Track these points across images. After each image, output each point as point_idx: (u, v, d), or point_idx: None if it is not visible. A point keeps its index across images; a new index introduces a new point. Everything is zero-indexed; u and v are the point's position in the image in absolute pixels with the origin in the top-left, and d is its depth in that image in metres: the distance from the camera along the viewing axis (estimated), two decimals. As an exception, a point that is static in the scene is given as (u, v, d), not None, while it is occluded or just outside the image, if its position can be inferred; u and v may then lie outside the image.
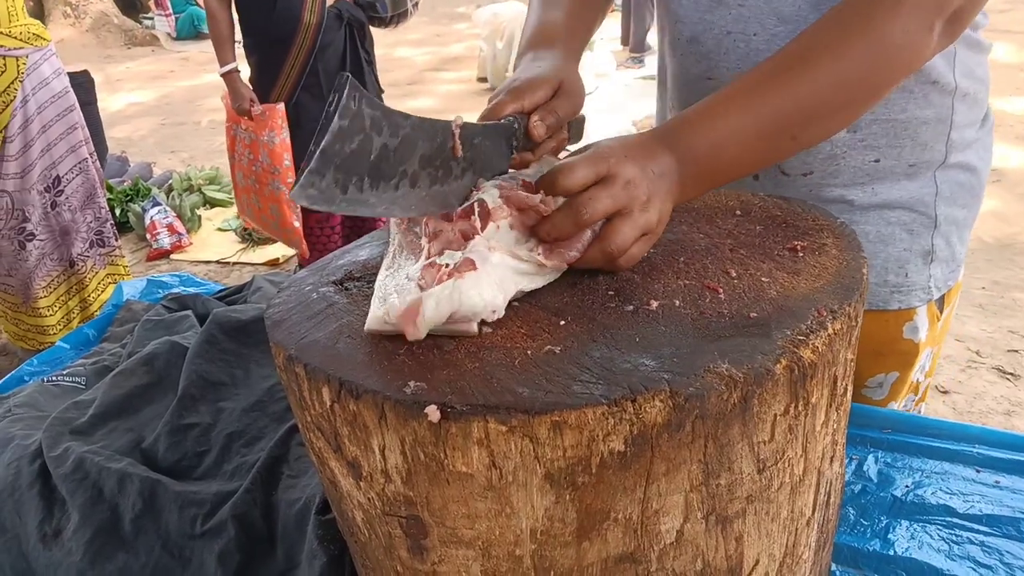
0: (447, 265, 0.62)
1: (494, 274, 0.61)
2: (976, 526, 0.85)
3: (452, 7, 11.36)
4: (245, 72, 2.92)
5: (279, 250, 3.79)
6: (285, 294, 0.70)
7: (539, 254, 0.64)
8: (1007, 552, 0.81)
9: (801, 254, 0.71)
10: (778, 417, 0.57)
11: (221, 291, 1.36)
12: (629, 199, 0.65)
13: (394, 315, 0.58)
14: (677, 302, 0.63)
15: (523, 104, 0.76)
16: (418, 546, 0.61)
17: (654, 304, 0.63)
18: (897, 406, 1.05)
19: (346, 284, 0.71)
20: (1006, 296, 3.13)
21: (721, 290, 0.65)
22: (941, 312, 1.05)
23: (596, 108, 6.52)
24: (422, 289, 0.59)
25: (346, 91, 0.54)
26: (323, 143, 0.54)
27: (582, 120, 0.87)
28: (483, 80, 7.51)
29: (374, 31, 3.06)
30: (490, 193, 0.65)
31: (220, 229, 4.12)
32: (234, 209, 4.31)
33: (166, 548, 0.85)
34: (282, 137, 2.75)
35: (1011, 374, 2.71)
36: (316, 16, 2.78)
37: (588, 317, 0.62)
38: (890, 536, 0.85)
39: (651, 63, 7.68)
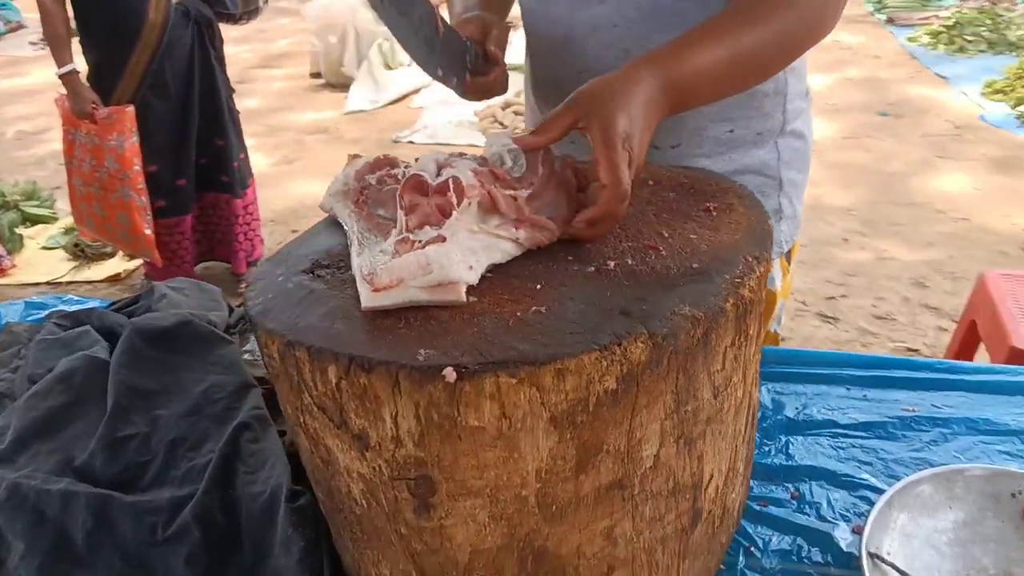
0: (419, 241, 0.67)
1: (465, 245, 0.67)
2: (855, 432, 1.01)
3: (274, 1, 10.93)
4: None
5: (119, 265, 3.55)
6: (259, 286, 0.72)
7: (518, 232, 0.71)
8: (880, 449, 0.98)
9: (715, 213, 0.82)
10: (727, 348, 0.68)
11: (114, 303, 1.30)
12: (632, 154, 0.74)
13: (382, 283, 0.63)
14: (629, 261, 0.72)
15: (476, 28, 1.00)
16: (425, 505, 0.66)
17: (611, 264, 0.71)
18: None
19: (317, 272, 0.73)
20: (821, 251, 3.54)
21: (661, 248, 0.74)
22: (789, 264, 1.21)
23: (435, 99, 6.56)
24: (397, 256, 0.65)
25: None
26: None
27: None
28: (317, 76, 7.33)
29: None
30: (464, 172, 0.70)
31: (46, 247, 3.78)
32: (59, 225, 3.98)
33: (126, 560, 0.83)
34: (132, 141, 2.60)
35: (832, 318, 3.09)
36: (162, 13, 2.65)
37: (559, 280, 0.69)
38: (790, 451, 0.99)
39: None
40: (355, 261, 0.70)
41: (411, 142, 5.70)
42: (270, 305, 0.68)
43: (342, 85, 6.88)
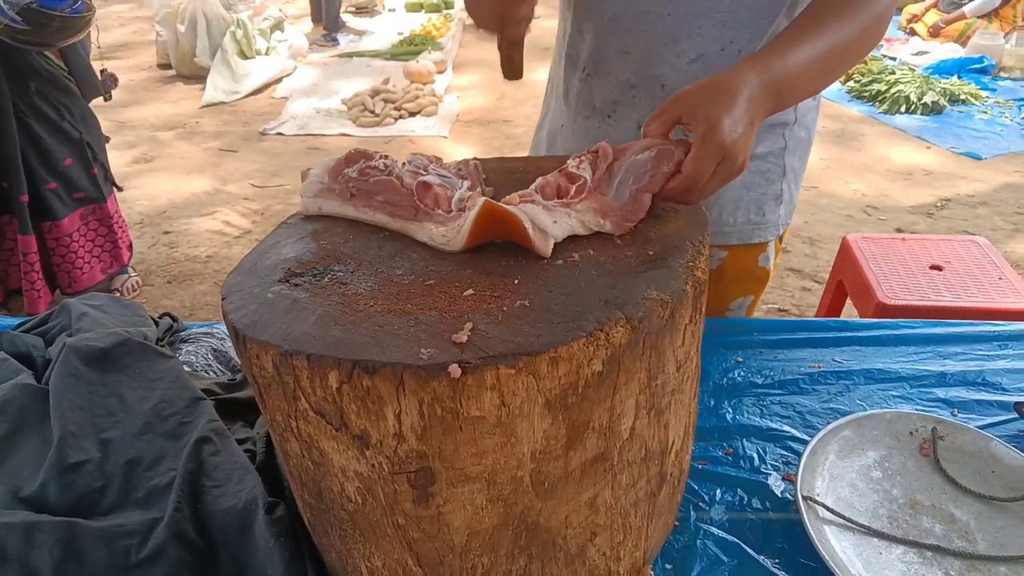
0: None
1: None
2: (773, 391, 1.13)
3: (107, -13, 10.19)
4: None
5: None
6: (236, 299, 0.72)
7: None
8: (797, 404, 1.10)
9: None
10: (686, 326, 0.75)
11: (22, 323, 1.22)
12: (728, 152, 0.81)
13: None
14: (591, 252, 0.78)
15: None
16: (424, 495, 0.69)
17: (576, 256, 0.77)
18: None
19: (293, 281, 0.75)
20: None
21: (616, 238, 0.81)
22: (781, 244, 1.31)
23: (299, 89, 6.39)
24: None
25: None
26: None
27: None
28: (166, 67, 6.95)
29: None
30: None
31: None
32: None
33: (99, 588, 0.82)
34: None
35: (712, 287, 3.32)
36: None
37: (533, 274, 0.74)
38: (720, 412, 1.09)
39: (344, 41, 7.66)
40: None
41: (280, 134, 5.53)
42: (256, 317, 0.69)
43: (196, 76, 6.56)
